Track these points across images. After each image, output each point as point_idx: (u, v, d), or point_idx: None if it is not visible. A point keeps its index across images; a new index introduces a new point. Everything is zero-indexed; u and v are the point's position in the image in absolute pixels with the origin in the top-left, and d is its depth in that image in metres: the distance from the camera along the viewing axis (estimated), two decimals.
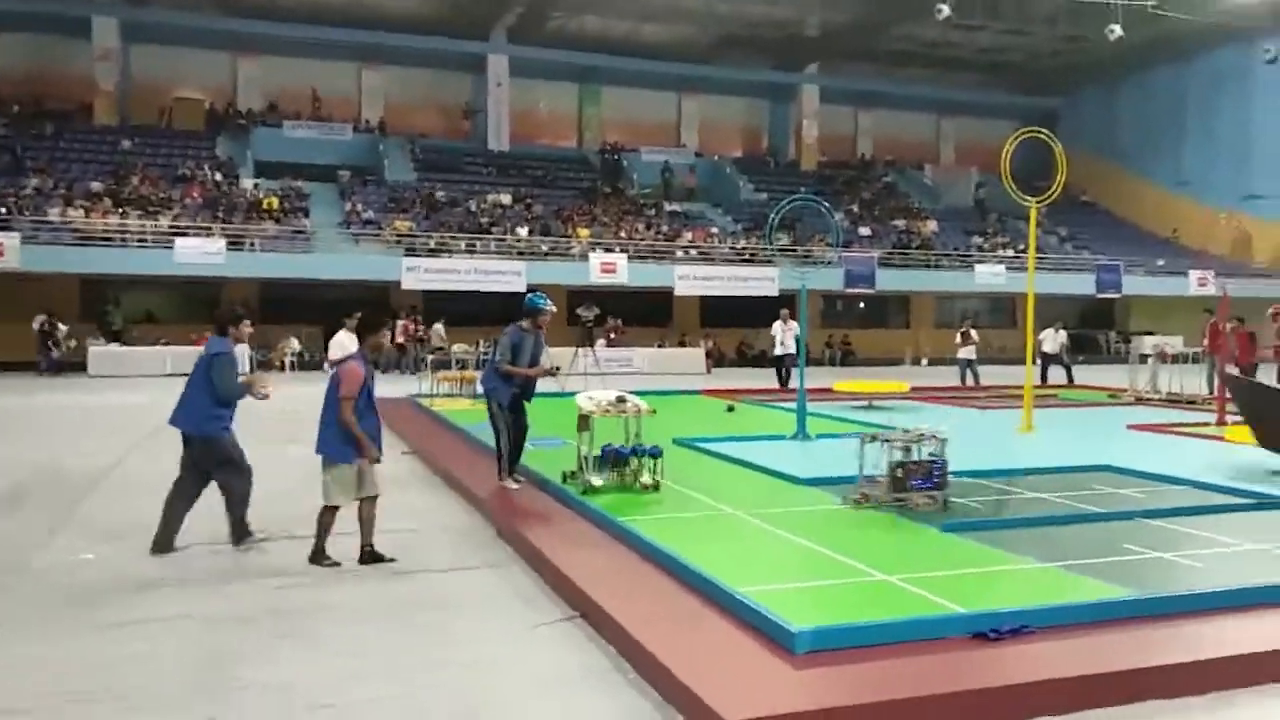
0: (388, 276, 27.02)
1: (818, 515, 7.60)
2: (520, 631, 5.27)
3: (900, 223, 36.83)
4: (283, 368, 26.50)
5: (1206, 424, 13.42)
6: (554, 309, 8.80)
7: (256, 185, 30.89)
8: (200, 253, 25.46)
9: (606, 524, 7.07)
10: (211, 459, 6.88)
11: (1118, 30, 30.50)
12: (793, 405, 12.60)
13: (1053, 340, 21.77)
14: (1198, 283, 32.85)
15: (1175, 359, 18.23)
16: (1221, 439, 11.52)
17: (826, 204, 16.43)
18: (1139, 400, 17.56)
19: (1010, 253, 34.81)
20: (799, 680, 4.31)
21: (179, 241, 25.50)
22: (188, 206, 28.27)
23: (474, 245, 28.94)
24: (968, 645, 4.63)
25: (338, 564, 6.43)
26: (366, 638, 5.16)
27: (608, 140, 39.41)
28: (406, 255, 27.47)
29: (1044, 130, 13.84)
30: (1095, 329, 37.37)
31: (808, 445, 11.54)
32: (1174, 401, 17.06)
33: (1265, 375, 18.36)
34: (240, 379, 7.09)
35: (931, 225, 37.08)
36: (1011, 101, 44.19)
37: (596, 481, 8.15)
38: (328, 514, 6.49)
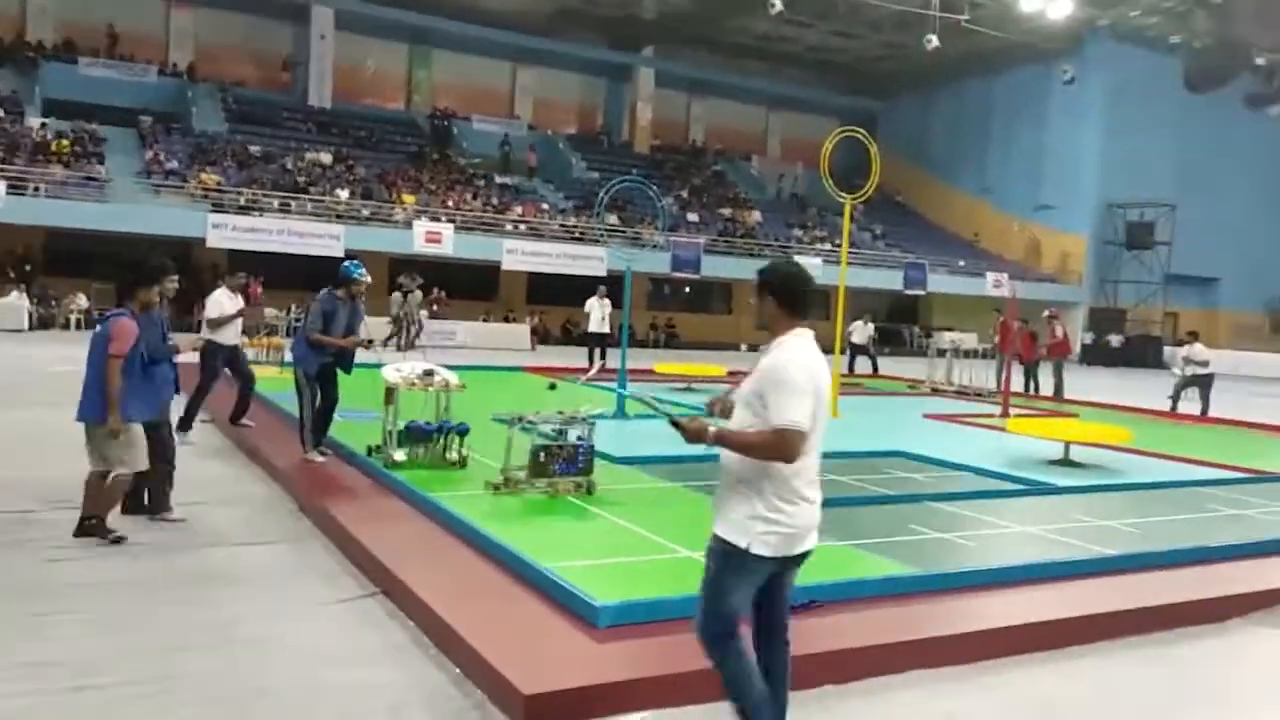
0: (191, 233, 25.30)
1: (630, 493, 7.70)
2: (315, 608, 5.07)
3: (726, 211, 37.79)
4: (68, 325, 24.48)
5: (992, 415, 14.48)
6: (369, 279, 8.55)
7: (44, 125, 28.28)
8: None
9: (413, 499, 6.91)
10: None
11: (934, 41, 32.27)
12: (614, 385, 12.71)
13: (861, 332, 22.83)
14: (993, 284, 35.34)
15: (969, 354, 19.56)
16: (1004, 430, 12.48)
17: (655, 187, 16.62)
18: (935, 391, 18.77)
19: (828, 246, 36.36)
20: (600, 653, 4.35)
21: None
22: None
23: (289, 205, 27.59)
24: None
25: (122, 537, 6.00)
26: (144, 614, 4.84)
27: (438, 105, 38.42)
28: (213, 211, 25.86)
29: (861, 131, 14.48)
30: (900, 323, 39.63)
31: (625, 424, 11.67)
32: (964, 393, 18.35)
33: (1044, 372, 20.06)
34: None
35: (756, 215, 38.24)
36: (835, 101, 46.05)
37: (399, 456, 7.95)
38: (100, 481, 6.06)
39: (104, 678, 4.08)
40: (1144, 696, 4.58)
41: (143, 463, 6.14)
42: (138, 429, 6.10)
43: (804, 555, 3.58)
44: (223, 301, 9.95)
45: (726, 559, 3.46)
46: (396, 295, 24.90)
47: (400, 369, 8.51)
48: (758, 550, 3.41)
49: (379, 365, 8.60)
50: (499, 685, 4.01)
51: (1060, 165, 39.54)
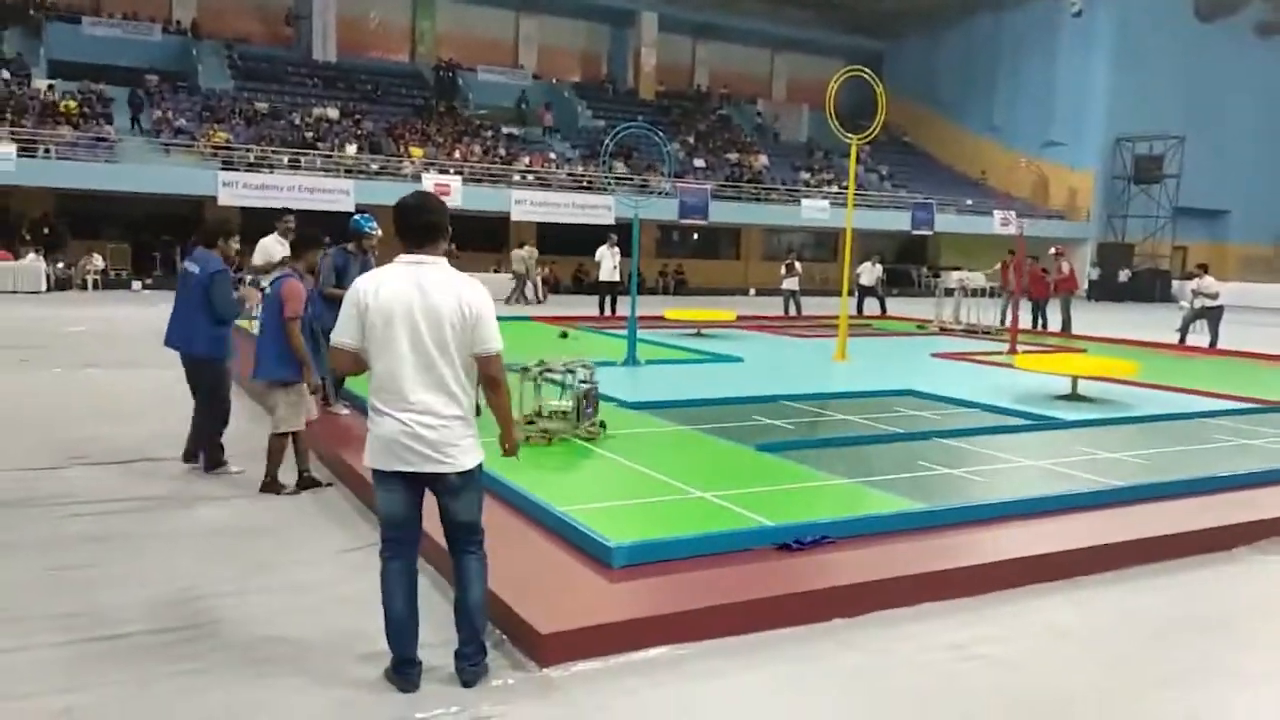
0: (202, 191, 25.31)
1: (643, 438, 7.79)
2: (334, 555, 5.20)
3: (733, 156, 37.46)
4: (85, 286, 24.62)
5: (1000, 352, 14.49)
6: (380, 232, 8.55)
7: (51, 87, 28.15)
8: None
9: None
10: (205, 381, 6.72)
11: None
12: (624, 332, 12.77)
13: (869, 273, 22.80)
14: (1000, 222, 35.05)
15: (976, 292, 19.52)
16: (1012, 366, 12.49)
17: (661, 133, 16.50)
18: (943, 330, 18.76)
19: (835, 189, 36.07)
20: (614, 593, 4.46)
21: None
22: None
23: (298, 161, 27.50)
24: (773, 556, 4.91)
25: (296, 490, 6.31)
26: (166, 565, 4.97)
27: (442, 57, 38.02)
28: (223, 169, 25.80)
29: (867, 70, 14.31)
30: (909, 264, 39.43)
31: (637, 371, 11.75)
32: (971, 331, 18.34)
33: (1052, 309, 20.02)
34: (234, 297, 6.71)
35: (763, 159, 37.90)
36: (841, 41, 45.33)
37: None
38: (279, 441, 6.28)
39: (129, 627, 4.21)
40: (1152, 622, 4.68)
41: (300, 424, 6.30)
42: (303, 389, 6.27)
43: (432, 478, 3.67)
44: (271, 248, 9.79)
45: None
46: (517, 251, 25.03)
47: None
48: (366, 459, 3.72)
49: None
50: (517, 625, 4.12)
51: (1068, 101, 38.99)
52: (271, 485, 6.28)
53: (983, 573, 4.98)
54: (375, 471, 3.71)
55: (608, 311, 20.30)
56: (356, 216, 8.55)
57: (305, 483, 6.38)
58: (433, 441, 3.61)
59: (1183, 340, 17.35)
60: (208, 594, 4.61)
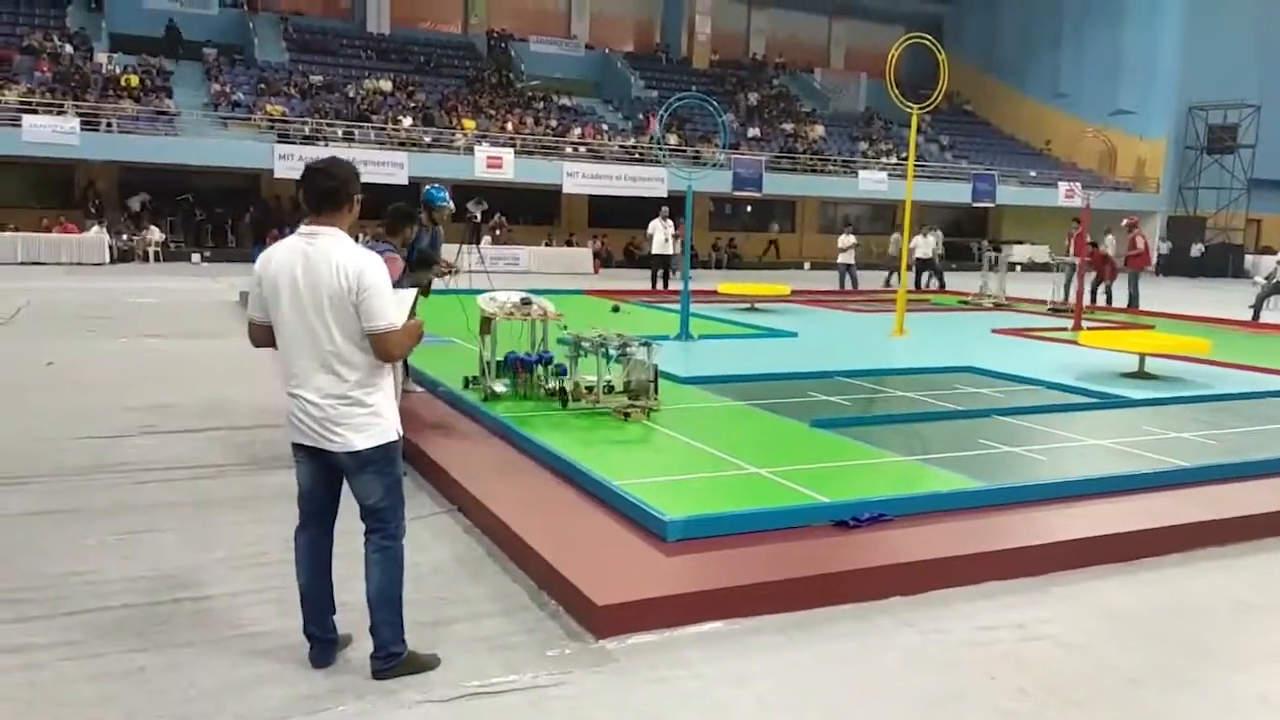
0: (260, 164, 25.71)
1: (697, 413, 7.77)
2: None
3: (789, 126, 36.99)
4: (146, 258, 25.19)
5: (1064, 329, 14.18)
6: (452, 206, 8.52)
7: (112, 60, 28.70)
8: (52, 131, 23.66)
9: (486, 420, 7.08)
10: None
11: None
12: (677, 307, 12.72)
13: (924, 245, 22.20)
14: (1065, 194, 34.21)
15: (1031, 268, 19.10)
16: (1075, 343, 12.22)
17: (715, 103, 16.33)
18: (996, 306, 18.37)
19: (894, 160, 35.45)
20: (669, 566, 4.47)
21: (27, 119, 23.62)
22: (36, 81, 26.11)
23: (352, 134, 27.76)
24: (829, 533, 4.87)
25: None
26: (228, 531, 5.09)
27: (494, 28, 37.98)
28: (280, 142, 26.14)
29: (928, 37, 13.98)
30: (969, 237, 38.70)
31: (690, 346, 11.71)
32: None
33: (1118, 285, 19.52)
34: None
35: (819, 130, 37.37)
36: (901, 7, 44.35)
37: (498, 388, 7.91)
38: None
39: (198, 590, 4.33)
40: (1221, 605, 4.56)
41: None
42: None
43: (328, 454, 3.52)
44: None
45: None
46: (895, 235, 24.83)
47: (496, 298, 8.27)
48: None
49: (442, 292, 8.53)
50: (573, 596, 4.15)
51: (1137, 67, 37.76)
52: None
53: (1043, 553, 4.89)
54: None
55: (659, 285, 20.23)
56: (429, 188, 8.46)
57: None
58: (318, 419, 3.46)
59: (1256, 317, 16.82)
60: (274, 560, 4.70)
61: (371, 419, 3.49)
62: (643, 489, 5.29)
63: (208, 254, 26.22)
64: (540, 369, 8.04)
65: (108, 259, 23.98)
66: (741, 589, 4.24)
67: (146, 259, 25.09)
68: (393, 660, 3.57)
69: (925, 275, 22.75)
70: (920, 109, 13.46)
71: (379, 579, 3.61)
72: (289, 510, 5.44)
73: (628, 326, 13.02)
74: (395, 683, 3.53)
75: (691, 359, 10.49)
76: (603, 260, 29.10)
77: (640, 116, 33.76)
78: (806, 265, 32.70)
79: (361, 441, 3.48)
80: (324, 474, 3.62)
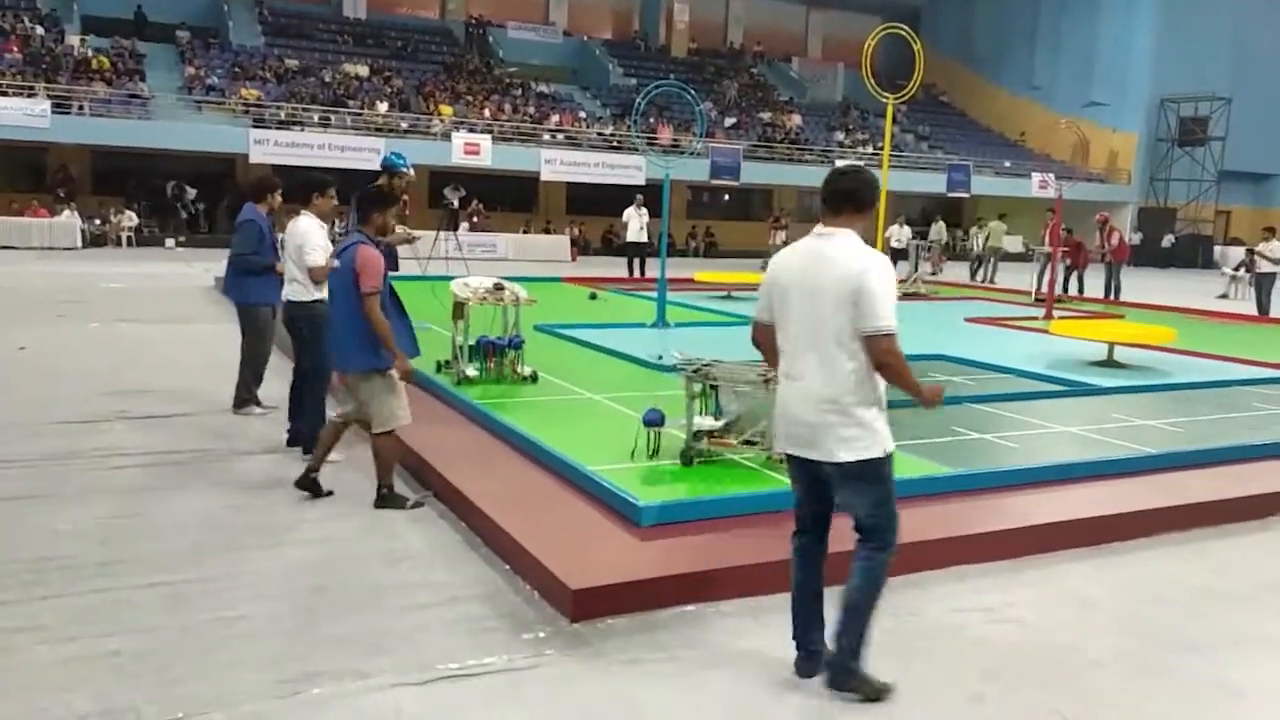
0: (234, 149, 25.46)
1: (674, 400, 7.79)
2: (369, 511, 5.27)
3: (766, 115, 37.02)
4: (119, 242, 24.91)
5: (1035, 318, 14.33)
6: (412, 174, 8.42)
7: (84, 42, 28.29)
8: (22, 114, 23.31)
9: (460, 406, 7.08)
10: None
11: None
12: (654, 294, 12.75)
13: (899, 235, 22.59)
14: (1039, 185, 34.42)
15: (1008, 258, 19.29)
16: (1047, 332, 12.34)
17: (693, 91, 16.33)
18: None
19: (870, 149, 35.57)
20: (643, 551, 4.51)
21: None
22: (7, 63, 25.69)
23: (328, 119, 27.53)
24: None
25: (420, 502, 5.36)
26: (206, 518, 5.08)
27: (471, 13, 37.73)
28: (255, 127, 25.88)
29: (904, 28, 14.05)
30: (944, 227, 38.85)
31: (667, 333, 11.75)
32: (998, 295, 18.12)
33: (1092, 278, 19.73)
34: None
35: (796, 119, 37.43)
36: None
37: (470, 371, 7.94)
38: (388, 441, 5.25)
39: (171, 575, 4.32)
40: (1184, 590, 4.65)
41: (406, 415, 5.31)
42: (393, 375, 5.25)
43: (813, 463, 3.42)
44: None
45: None
46: (974, 229, 24.78)
47: (469, 283, 8.35)
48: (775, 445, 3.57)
49: (417, 278, 8.52)
50: (548, 581, 4.18)
51: (1111, 60, 38.08)
52: (390, 499, 5.27)
53: (1014, 537, 4.97)
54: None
55: (636, 273, 20.25)
56: (389, 154, 8.27)
57: (389, 500, 5.30)
58: (812, 425, 3.43)
59: (1264, 311, 17.06)
60: (248, 545, 4.70)
61: (861, 432, 3.38)
62: (618, 475, 5.32)
63: (182, 239, 25.96)
64: (510, 353, 8.10)
65: (80, 243, 23.69)
66: (715, 573, 4.28)
67: (119, 244, 24.82)
68: (843, 675, 3.45)
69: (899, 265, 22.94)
70: (896, 99, 13.52)
71: (851, 585, 3.52)
72: (262, 497, 5.48)
73: (604, 315, 13.08)
74: (369, 665, 3.54)
75: (668, 347, 10.49)
76: (580, 248, 29.07)
77: (642, 118, 33.67)
78: None
79: (846, 454, 3.37)
80: (814, 483, 3.55)
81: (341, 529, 4.98)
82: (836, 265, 3.34)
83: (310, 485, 5.40)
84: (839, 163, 33.01)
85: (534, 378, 8.14)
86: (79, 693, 3.28)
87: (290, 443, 6.35)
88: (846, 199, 3.44)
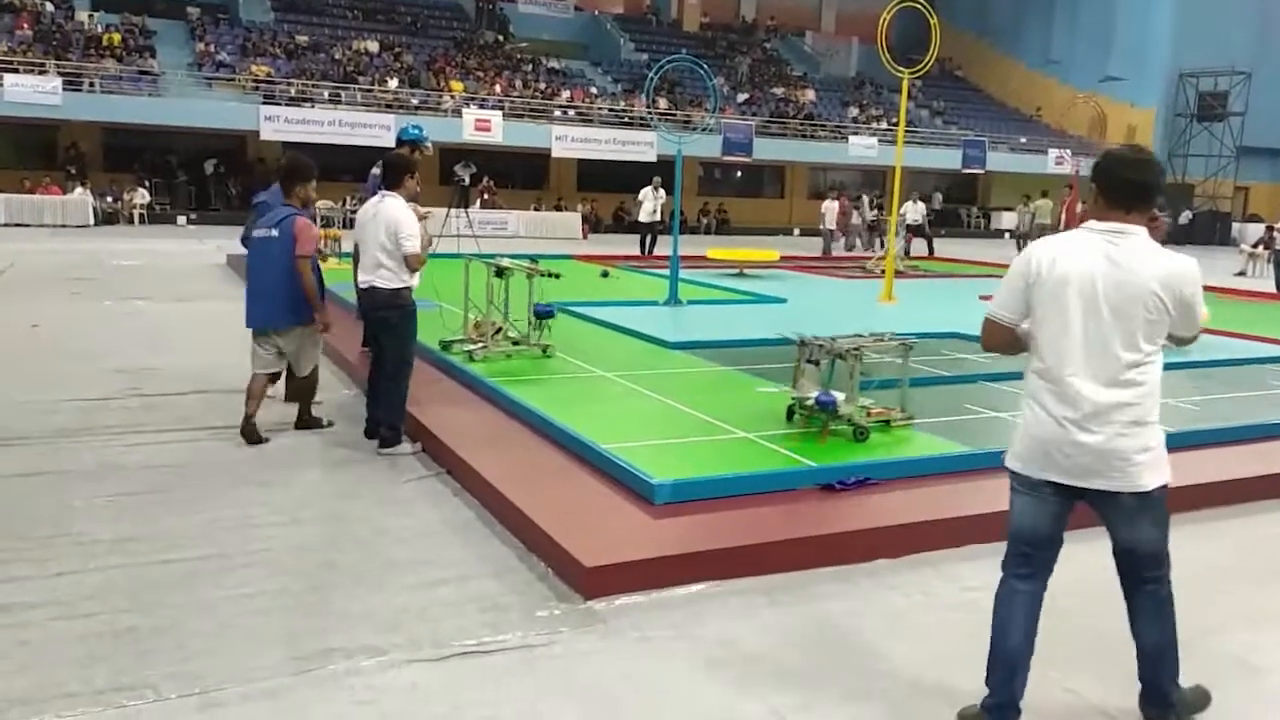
0: (245, 126, 25.43)
1: (686, 378, 7.79)
2: (383, 488, 5.29)
3: (779, 90, 36.72)
4: (131, 220, 24.96)
5: None
6: (430, 149, 8.37)
7: (93, 18, 28.22)
8: (34, 91, 23.33)
9: (476, 384, 7.08)
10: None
11: None
12: (666, 272, 12.70)
13: (913, 211, 22.34)
14: (1055, 161, 34.17)
15: (1018, 235, 19.13)
16: None
17: (705, 67, 16.18)
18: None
19: (884, 125, 35.28)
20: (657, 529, 4.50)
21: (8, 78, 23.27)
22: (17, 40, 25.68)
23: (338, 95, 27.44)
24: (815, 496, 4.91)
25: (332, 422, 6.42)
26: (220, 495, 5.09)
27: None
28: (265, 104, 25.83)
29: (920, 1, 13.87)
30: (959, 204, 38.65)
31: (679, 311, 11.71)
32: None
33: None
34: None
35: (810, 94, 37.12)
36: None
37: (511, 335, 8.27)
38: (310, 380, 6.34)
39: (186, 551, 4.33)
40: (1202, 570, 4.61)
41: (317, 357, 6.41)
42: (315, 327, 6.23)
43: (1087, 493, 3.06)
44: None
45: None
46: (1020, 207, 24.79)
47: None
48: (1007, 461, 3.14)
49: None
50: (562, 559, 4.18)
51: (1129, 34, 37.59)
52: (310, 421, 6.36)
53: None
54: (1009, 470, 3.20)
55: (648, 251, 20.23)
56: (407, 127, 8.19)
57: (308, 422, 6.38)
58: (1094, 449, 3.01)
59: None
60: (262, 522, 4.71)
61: (1161, 452, 3.06)
62: (632, 453, 5.31)
63: (193, 216, 25.99)
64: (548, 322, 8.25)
65: (92, 221, 23.75)
66: (728, 551, 4.27)
67: (131, 221, 24.86)
68: (1183, 709, 3.25)
69: (914, 241, 22.80)
70: (911, 74, 13.39)
71: (1164, 625, 3.25)
72: (275, 473, 5.49)
73: (617, 292, 13.05)
74: (384, 642, 3.55)
75: (680, 324, 10.49)
76: (592, 225, 28.97)
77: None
78: (796, 231, 32.63)
79: (1152, 478, 3.01)
80: (1063, 516, 3.15)
81: (355, 507, 4.99)
82: (1147, 269, 2.94)
83: (250, 432, 5.99)
84: (852, 139, 33.07)
85: (547, 352, 8.24)
86: (96, 668, 3.30)
87: (368, 434, 6.12)
88: (1141, 195, 2.98)
